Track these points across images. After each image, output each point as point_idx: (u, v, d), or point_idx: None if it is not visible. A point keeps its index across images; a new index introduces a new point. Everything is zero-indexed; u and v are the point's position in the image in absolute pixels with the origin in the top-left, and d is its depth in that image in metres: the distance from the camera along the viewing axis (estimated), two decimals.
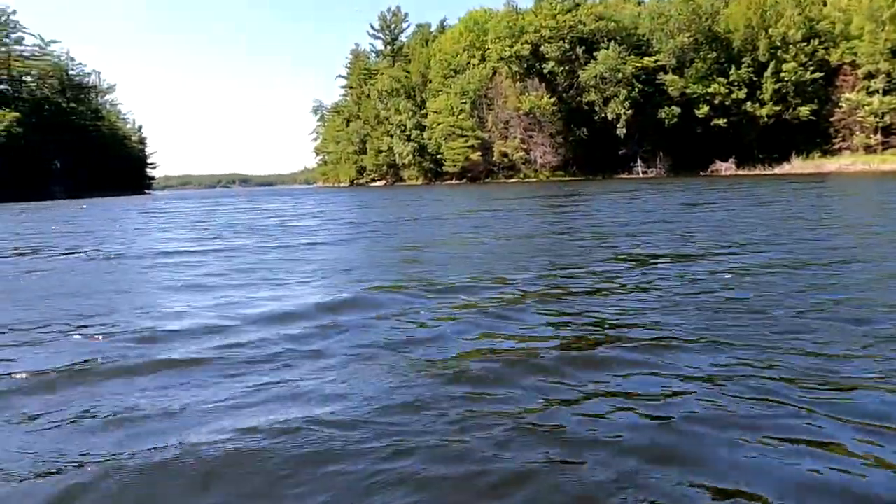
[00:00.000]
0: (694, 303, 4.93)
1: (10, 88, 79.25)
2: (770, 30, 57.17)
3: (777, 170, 54.39)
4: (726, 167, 58.13)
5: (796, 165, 54.21)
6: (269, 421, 2.75)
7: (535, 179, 65.81)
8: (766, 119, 57.56)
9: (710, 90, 59.15)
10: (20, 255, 10.82)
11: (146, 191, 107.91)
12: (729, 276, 6.05)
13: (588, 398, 3.03)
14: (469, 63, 73.57)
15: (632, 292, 5.44)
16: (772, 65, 56.88)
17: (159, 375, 3.45)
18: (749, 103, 58.09)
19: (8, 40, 79.83)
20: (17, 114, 71.71)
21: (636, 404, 2.93)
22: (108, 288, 6.53)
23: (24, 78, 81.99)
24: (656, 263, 7.05)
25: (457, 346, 3.90)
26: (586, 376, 3.31)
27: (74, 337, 4.39)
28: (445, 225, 14.41)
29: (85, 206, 35.97)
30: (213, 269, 7.69)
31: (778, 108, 57.00)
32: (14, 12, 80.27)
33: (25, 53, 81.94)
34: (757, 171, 54.93)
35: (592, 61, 63.90)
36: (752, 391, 3.04)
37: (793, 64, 55.72)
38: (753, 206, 16.40)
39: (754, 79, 58.39)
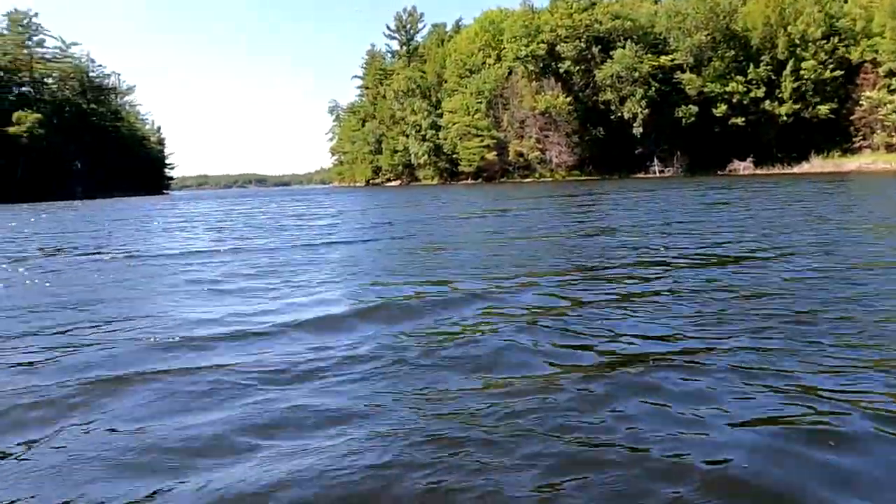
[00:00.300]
0: (750, 316, 4.42)
1: (32, 90, 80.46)
2: (789, 27, 56.63)
3: (796, 169, 53.85)
4: (744, 167, 57.63)
5: (815, 164, 53.65)
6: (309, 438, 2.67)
7: (550, 179, 65.69)
8: (784, 118, 57.00)
9: (727, 89, 58.70)
10: (64, 252, 11.05)
11: (164, 191, 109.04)
12: (779, 280, 5.69)
13: (634, 416, 2.79)
14: (485, 63, 73.65)
15: (681, 301, 5.06)
16: (791, 63, 56.33)
17: (182, 385, 3.33)
18: (767, 102, 57.56)
19: (30, 42, 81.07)
20: (39, 115, 72.82)
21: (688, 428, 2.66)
22: (133, 291, 6.49)
23: (45, 80, 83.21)
24: (698, 267, 6.75)
25: (492, 356, 3.74)
26: (634, 399, 2.99)
27: (107, 340, 4.39)
28: (466, 225, 14.45)
29: (78, 207, 36.10)
30: (237, 270, 7.70)
31: (797, 106, 56.43)
32: (36, 14, 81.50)
33: (47, 56, 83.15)
34: (776, 171, 54.42)
35: (609, 60, 63.68)
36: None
37: (812, 62, 55.15)
38: (782, 205, 15.97)
39: (773, 77, 57.85)
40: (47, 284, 7.27)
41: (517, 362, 3.64)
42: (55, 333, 4.67)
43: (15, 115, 71.36)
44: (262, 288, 6.34)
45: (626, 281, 6.08)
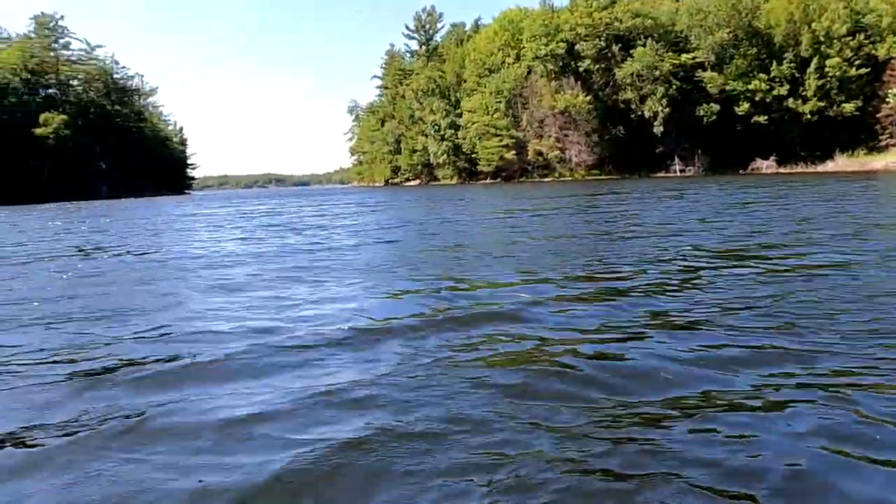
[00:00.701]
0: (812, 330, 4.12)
1: (58, 92, 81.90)
2: (813, 24, 55.83)
3: (820, 168, 53.11)
4: (767, 165, 56.97)
5: (840, 163, 52.84)
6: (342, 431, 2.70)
7: (570, 178, 65.46)
8: (808, 116, 56.22)
9: (750, 87, 58.04)
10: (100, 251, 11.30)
11: (186, 191, 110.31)
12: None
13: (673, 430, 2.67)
14: (504, 62, 73.52)
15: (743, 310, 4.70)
16: (815, 60, 55.55)
17: (215, 388, 3.34)
18: (791, 100, 56.80)
19: (56, 45, 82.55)
20: (65, 116, 74.15)
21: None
22: (161, 297, 6.45)
23: (71, 82, 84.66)
24: (753, 273, 6.24)
25: (528, 362, 3.61)
26: (679, 425, 2.76)
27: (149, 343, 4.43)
28: (491, 225, 14.45)
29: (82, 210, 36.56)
30: (265, 273, 7.66)
31: (821, 104, 55.62)
32: (62, 18, 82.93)
33: (73, 58, 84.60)
34: (799, 169, 53.73)
35: (629, 59, 63.30)
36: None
37: (837, 59, 54.33)
38: (812, 203, 15.65)
39: (796, 75, 57.09)
40: (98, 288, 7.46)
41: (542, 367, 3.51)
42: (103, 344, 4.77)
43: (42, 117, 72.76)
44: (296, 293, 6.23)
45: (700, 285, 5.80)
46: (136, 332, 4.70)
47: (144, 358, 3.98)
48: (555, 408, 2.96)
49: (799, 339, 3.90)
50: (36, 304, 6.03)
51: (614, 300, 5.23)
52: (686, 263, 7.08)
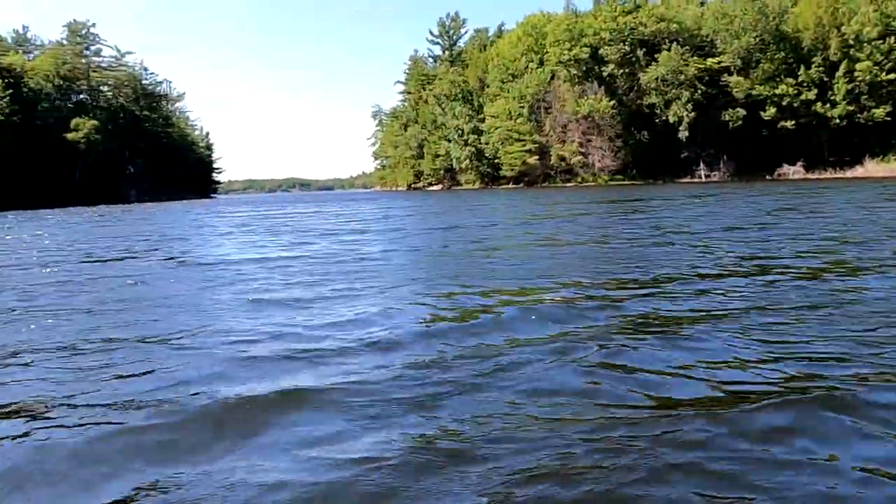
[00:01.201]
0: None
1: (88, 98, 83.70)
2: (843, 27, 55.14)
3: (849, 173, 52.34)
4: (794, 171, 56.30)
5: (870, 169, 52.04)
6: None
7: (593, 184, 65.25)
8: (837, 121, 55.46)
9: (777, 91, 57.42)
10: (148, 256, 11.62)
11: (212, 195, 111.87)
12: None
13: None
14: (527, 67, 73.58)
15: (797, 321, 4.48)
16: (844, 64, 54.80)
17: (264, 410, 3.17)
18: (819, 104, 56.10)
19: (87, 52, 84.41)
20: (95, 122, 75.73)
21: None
22: (205, 302, 6.38)
23: (101, 87, 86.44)
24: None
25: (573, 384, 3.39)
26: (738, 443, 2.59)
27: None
28: (520, 230, 14.53)
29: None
30: (300, 279, 7.64)
31: (851, 108, 54.85)
32: (93, 25, 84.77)
33: (103, 64, 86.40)
34: (827, 175, 53.02)
35: (653, 63, 62.99)
36: None
37: (867, 63, 53.56)
38: (856, 208, 15.19)
39: (825, 79, 56.37)
40: (135, 285, 7.71)
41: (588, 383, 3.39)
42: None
43: (73, 122, 74.44)
44: (329, 298, 6.16)
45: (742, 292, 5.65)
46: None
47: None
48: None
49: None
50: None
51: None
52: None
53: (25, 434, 2.94)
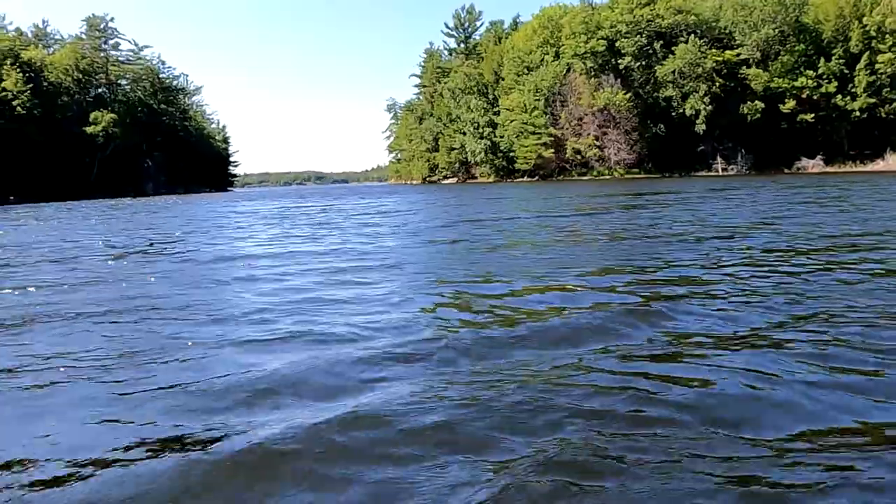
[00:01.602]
0: None
1: (107, 91, 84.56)
2: (864, 19, 54.41)
3: (870, 167, 51.81)
4: (813, 164, 55.79)
5: (891, 162, 51.48)
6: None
7: (608, 177, 64.97)
8: (858, 113, 54.82)
9: (796, 84, 56.80)
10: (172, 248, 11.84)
11: (228, 188, 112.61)
12: None
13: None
14: (542, 60, 73.23)
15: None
16: (865, 56, 54.13)
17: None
18: (839, 97, 55.45)
19: (106, 46, 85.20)
20: (114, 115, 76.58)
21: None
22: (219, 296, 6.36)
23: (119, 81, 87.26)
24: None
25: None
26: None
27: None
28: (541, 225, 14.50)
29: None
30: (340, 277, 7.42)
31: (872, 101, 54.17)
32: (112, 19, 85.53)
33: (121, 58, 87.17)
34: (847, 168, 52.53)
35: (670, 56, 62.50)
36: None
37: (889, 55, 52.85)
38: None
39: (845, 71, 55.69)
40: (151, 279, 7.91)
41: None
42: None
43: (92, 116, 75.32)
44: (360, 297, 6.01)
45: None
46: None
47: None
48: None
49: None
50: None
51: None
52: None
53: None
